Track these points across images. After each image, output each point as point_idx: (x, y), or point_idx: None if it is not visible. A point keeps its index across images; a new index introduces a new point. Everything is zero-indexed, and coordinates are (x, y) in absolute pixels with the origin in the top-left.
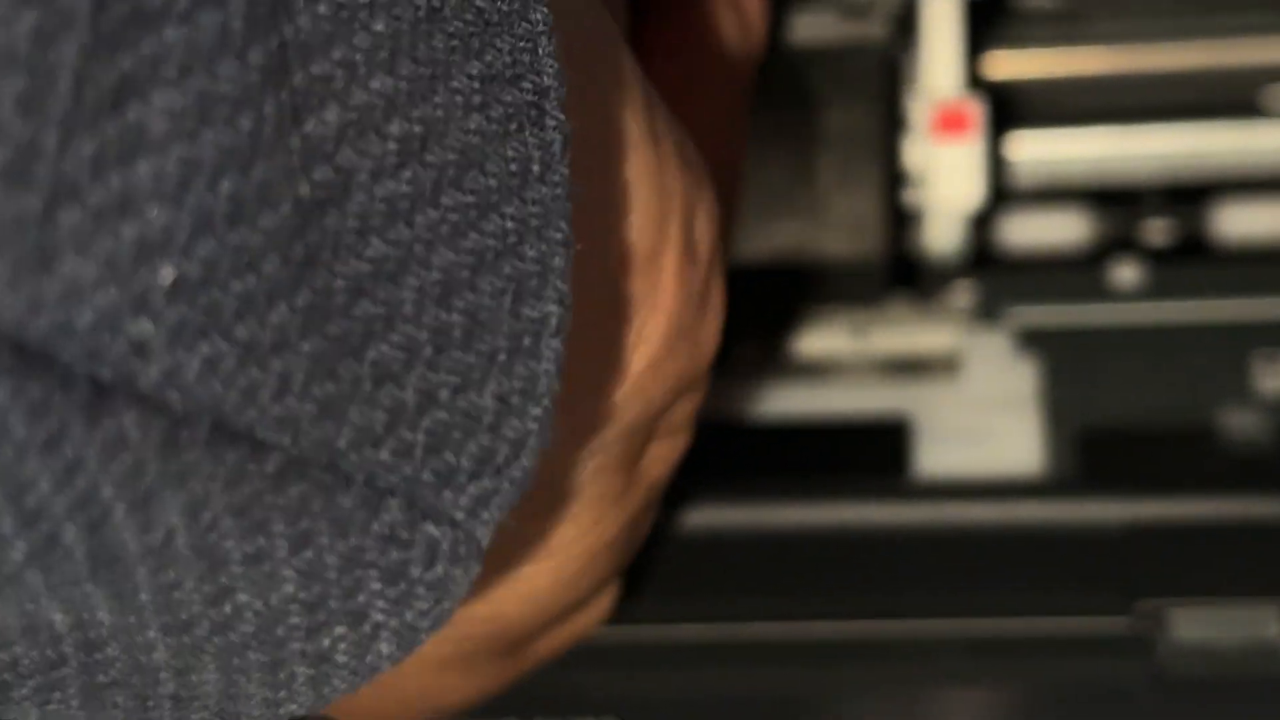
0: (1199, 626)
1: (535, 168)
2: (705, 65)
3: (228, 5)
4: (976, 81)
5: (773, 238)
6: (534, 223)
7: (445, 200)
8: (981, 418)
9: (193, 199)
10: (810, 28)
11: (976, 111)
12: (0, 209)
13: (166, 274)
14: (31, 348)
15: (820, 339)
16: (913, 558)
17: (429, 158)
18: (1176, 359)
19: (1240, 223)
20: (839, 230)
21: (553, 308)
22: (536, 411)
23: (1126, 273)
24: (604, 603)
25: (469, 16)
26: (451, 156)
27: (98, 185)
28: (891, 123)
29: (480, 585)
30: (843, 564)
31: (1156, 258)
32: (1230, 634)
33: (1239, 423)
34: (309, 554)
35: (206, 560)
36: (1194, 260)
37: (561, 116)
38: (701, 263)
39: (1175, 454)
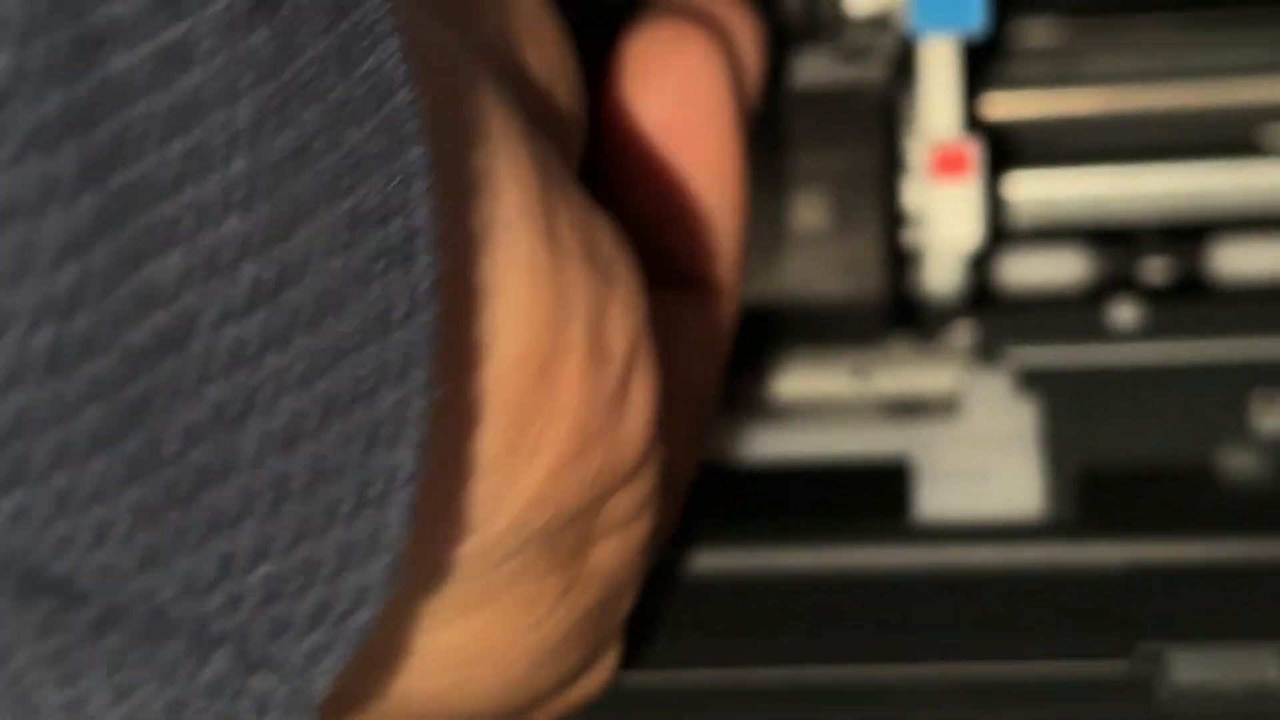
0: (1199, 669)
1: (399, 312)
2: (701, 108)
3: (60, 151)
4: (974, 122)
5: (772, 278)
6: (392, 369)
7: (298, 344)
8: (982, 458)
9: (6, 349)
10: (809, 70)
11: (974, 152)
12: None
13: None
14: None
15: (820, 380)
16: (911, 601)
17: (282, 301)
18: (1176, 399)
19: (1239, 262)
20: (839, 271)
21: (406, 456)
22: (381, 563)
23: (1125, 312)
24: (605, 666)
25: (339, 155)
26: (308, 300)
27: None
28: (890, 164)
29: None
30: (841, 608)
31: (1155, 297)
32: (1230, 677)
33: (1238, 463)
34: (131, 704)
35: (19, 708)
36: (1193, 299)
37: (431, 258)
38: (614, 362)
39: (1175, 494)
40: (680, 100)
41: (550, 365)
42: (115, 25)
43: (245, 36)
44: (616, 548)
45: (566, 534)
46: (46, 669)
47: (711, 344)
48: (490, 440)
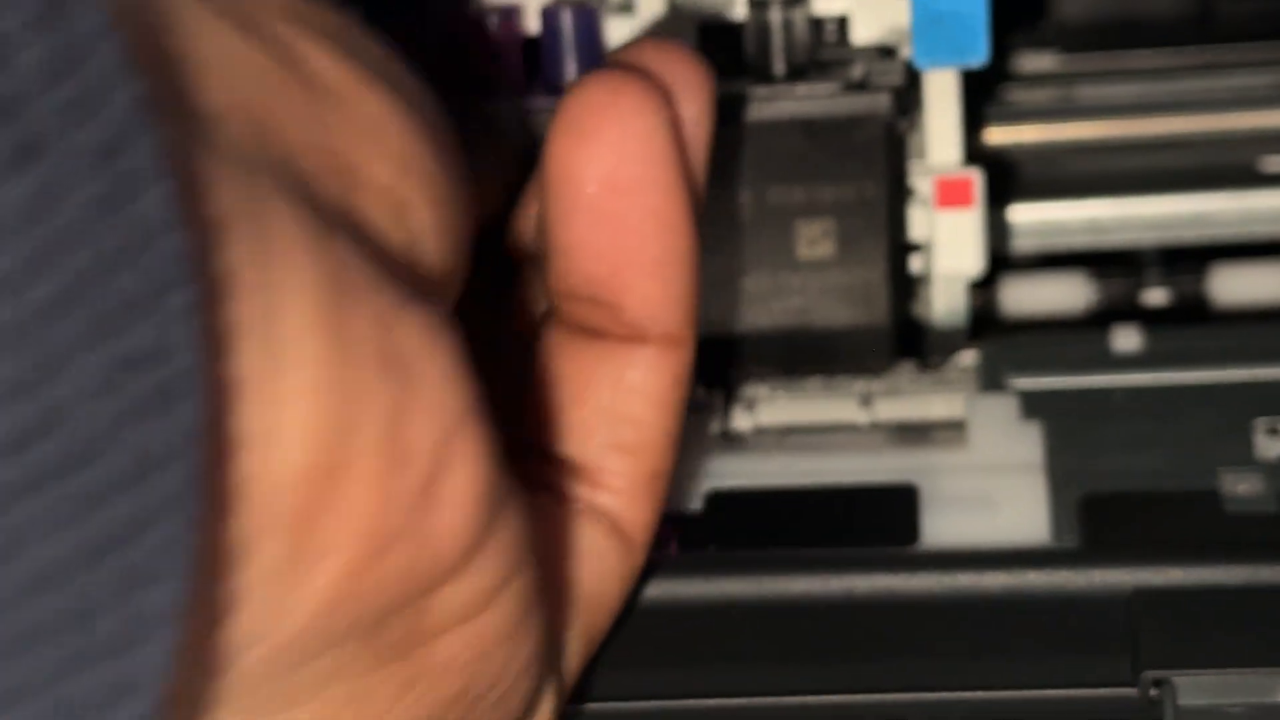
0: (1205, 694)
1: (159, 457)
2: (639, 162)
3: None
4: (976, 152)
5: (780, 307)
6: (152, 513)
7: (50, 492)
8: (987, 484)
9: None
10: (815, 100)
11: (977, 183)
12: None
13: None
14: None
15: (827, 408)
16: (919, 628)
17: (36, 449)
18: (1179, 424)
19: (1240, 287)
20: (845, 299)
21: (166, 595)
22: (141, 703)
23: (1128, 338)
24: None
25: (107, 300)
26: (64, 447)
27: None
28: (896, 193)
29: None
30: (849, 635)
31: (1157, 323)
32: (1237, 702)
33: (1242, 487)
34: None
35: None
36: (1194, 325)
37: (195, 401)
38: (416, 463)
39: (1179, 519)
40: (619, 155)
41: (337, 472)
42: None
43: (11, 187)
44: (467, 641)
45: (387, 631)
46: None
47: (667, 394)
48: (270, 551)
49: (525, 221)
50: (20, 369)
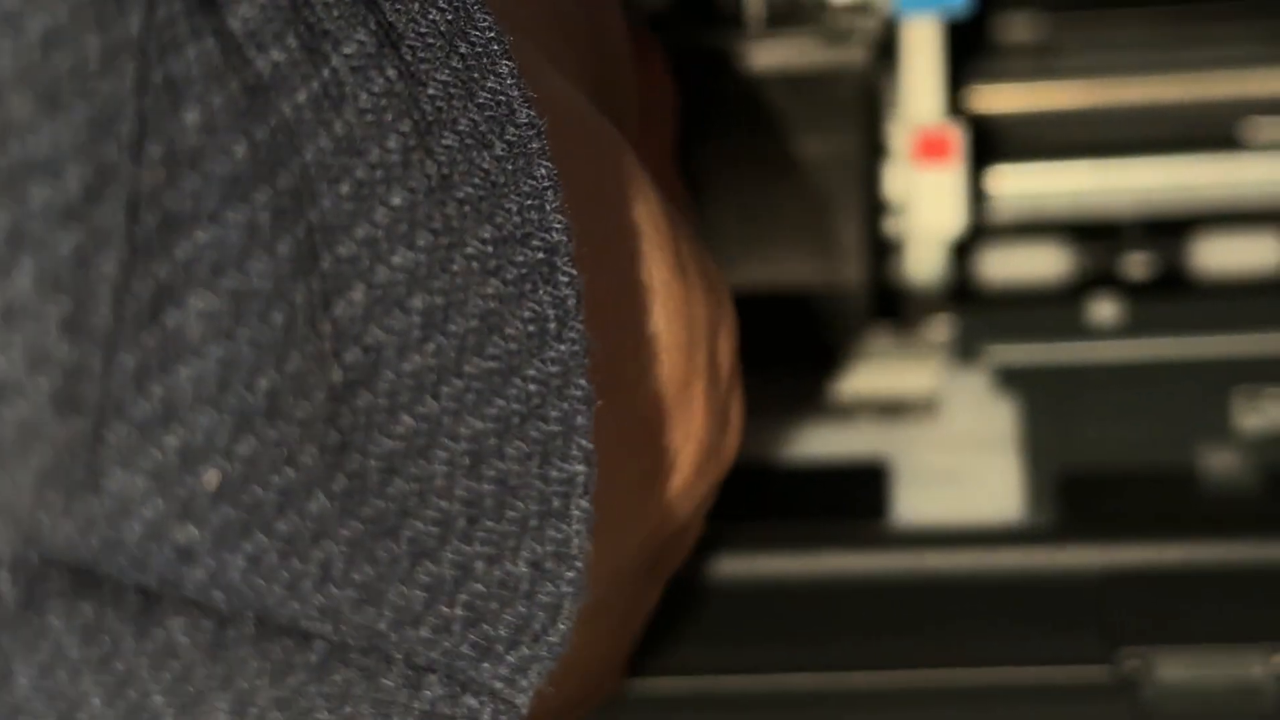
0: (1182, 671)
1: (552, 326)
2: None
3: (254, 199)
4: (957, 114)
5: (752, 266)
6: (555, 383)
7: (469, 369)
8: (960, 459)
9: (232, 399)
10: (790, 53)
11: (957, 137)
12: (52, 435)
13: (211, 478)
14: (82, 566)
15: (800, 376)
16: (892, 606)
17: (451, 327)
18: (1157, 397)
19: (1220, 256)
20: (819, 258)
21: (579, 467)
22: (570, 574)
23: (1106, 309)
24: (615, 677)
25: (477, 180)
26: (472, 324)
27: (141, 398)
28: (872, 149)
29: None
30: (821, 613)
31: (1136, 293)
32: (1214, 677)
33: (1220, 462)
34: None
35: None
36: (1174, 295)
37: (573, 271)
38: (723, 382)
39: (1156, 495)
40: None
41: (686, 390)
42: (276, 72)
43: (380, 73)
44: (682, 547)
45: (667, 544)
46: (280, 712)
47: None
48: (641, 460)
49: None
50: (423, 253)
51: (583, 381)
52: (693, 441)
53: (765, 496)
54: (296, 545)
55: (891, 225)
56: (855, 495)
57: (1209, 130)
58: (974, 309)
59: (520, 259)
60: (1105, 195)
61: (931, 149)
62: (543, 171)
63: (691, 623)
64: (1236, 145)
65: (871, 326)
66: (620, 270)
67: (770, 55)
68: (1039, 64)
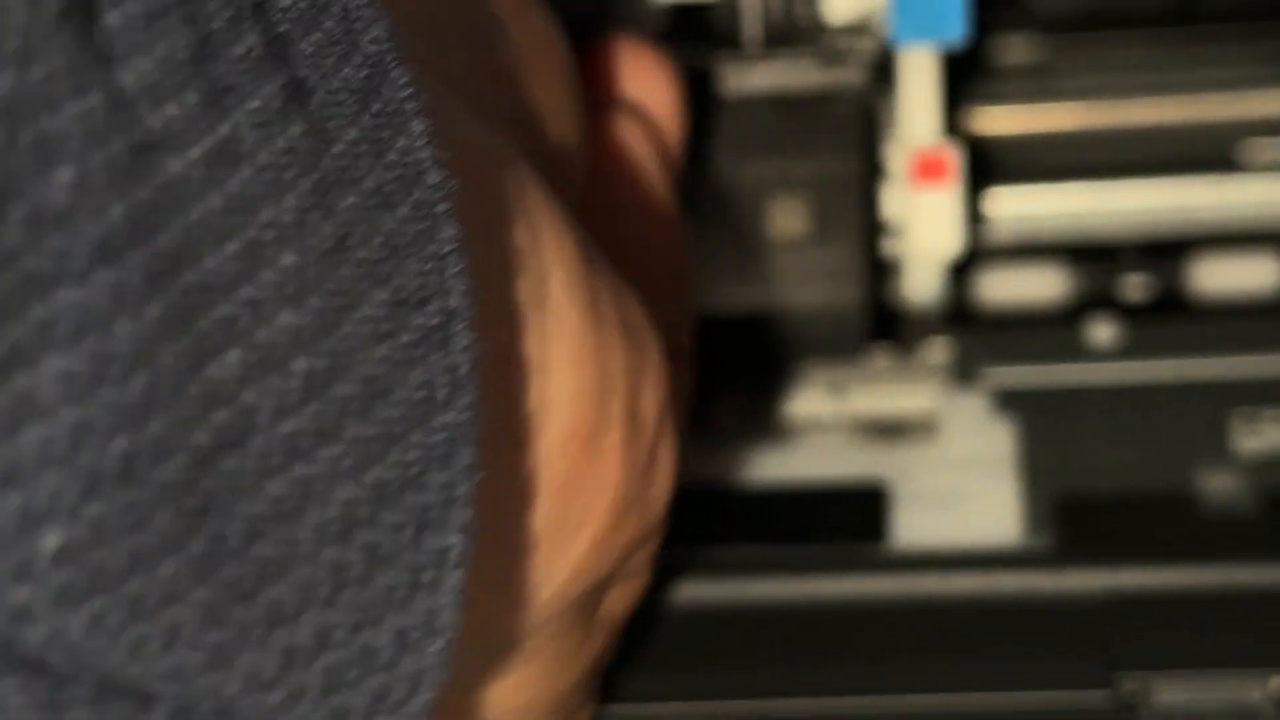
0: (1181, 695)
1: (441, 393)
2: (630, 192)
3: (126, 260)
4: (955, 135)
5: (750, 288)
6: (438, 452)
7: (349, 434)
8: (959, 481)
9: (83, 461)
10: (787, 74)
11: (954, 158)
12: None
13: (51, 540)
14: None
15: (798, 400)
16: (890, 630)
17: (334, 391)
18: (1155, 419)
19: (1218, 278)
20: (818, 279)
21: (454, 538)
22: (435, 646)
23: (1104, 331)
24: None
25: (378, 242)
26: (358, 388)
27: None
28: (870, 170)
29: None
30: (818, 637)
31: (1134, 315)
32: (1212, 701)
33: (1219, 485)
34: None
35: None
36: (1172, 317)
37: (469, 339)
38: (647, 432)
39: (1155, 518)
40: (612, 177)
41: (596, 440)
42: (168, 128)
43: (283, 130)
44: (624, 595)
45: (594, 594)
46: None
47: None
48: (541, 515)
49: None
50: (310, 315)
51: (468, 451)
52: (607, 493)
53: (764, 519)
54: (143, 607)
55: (890, 246)
56: (854, 518)
57: (1206, 152)
58: (972, 330)
59: (416, 323)
60: (1103, 217)
61: (929, 171)
62: (448, 234)
63: (690, 647)
64: (1234, 167)
65: (870, 348)
66: (519, 320)
67: (768, 77)
68: (1037, 85)
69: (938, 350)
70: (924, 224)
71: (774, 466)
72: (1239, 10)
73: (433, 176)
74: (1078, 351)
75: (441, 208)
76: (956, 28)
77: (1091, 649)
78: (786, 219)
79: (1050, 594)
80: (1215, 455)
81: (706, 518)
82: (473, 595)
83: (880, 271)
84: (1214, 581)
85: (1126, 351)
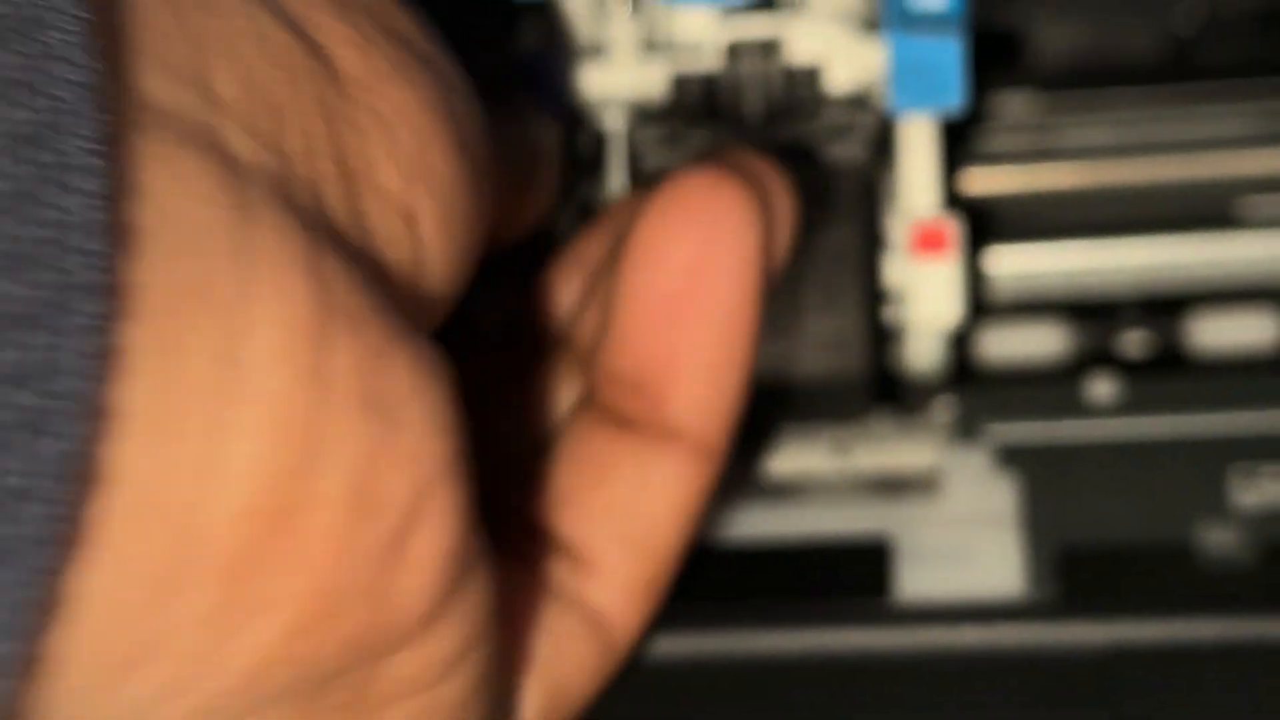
0: None
1: (21, 487)
2: (724, 260)
3: None
4: (953, 198)
5: (758, 353)
6: (14, 548)
7: None
8: (961, 536)
9: None
10: (790, 148)
11: (954, 230)
12: None
13: None
14: None
15: (801, 458)
16: (894, 684)
17: None
18: (1154, 474)
19: (1217, 334)
20: (822, 348)
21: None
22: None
23: (1103, 387)
24: None
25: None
26: None
27: None
28: (871, 241)
29: None
30: (823, 691)
31: (1133, 371)
32: None
33: (1218, 539)
34: None
35: None
36: (1171, 373)
37: (76, 428)
38: (387, 516)
39: (1155, 572)
40: (709, 243)
41: (289, 518)
42: None
43: None
44: (416, 712)
45: (330, 694)
46: None
47: (690, 502)
48: (198, 596)
49: (563, 291)
50: None
51: (39, 557)
52: (304, 577)
53: (768, 575)
54: None
55: (892, 313)
56: (859, 573)
57: (1204, 209)
58: (973, 388)
59: (10, 406)
60: (1102, 274)
61: (929, 242)
62: (87, 309)
63: (691, 702)
64: (1232, 223)
65: (874, 410)
66: (187, 374)
67: (772, 152)
68: (1035, 144)
69: (940, 408)
70: (924, 294)
71: (778, 523)
72: (1235, 68)
73: (88, 243)
74: (1078, 408)
75: (86, 279)
76: (955, 96)
77: (1093, 702)
78: (791, 290)
79: (1052, 647)
80: (1214, 510)
81: (709, 574)
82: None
83: (882, 339)
84: (1214, 635)
85: (1126, 407)
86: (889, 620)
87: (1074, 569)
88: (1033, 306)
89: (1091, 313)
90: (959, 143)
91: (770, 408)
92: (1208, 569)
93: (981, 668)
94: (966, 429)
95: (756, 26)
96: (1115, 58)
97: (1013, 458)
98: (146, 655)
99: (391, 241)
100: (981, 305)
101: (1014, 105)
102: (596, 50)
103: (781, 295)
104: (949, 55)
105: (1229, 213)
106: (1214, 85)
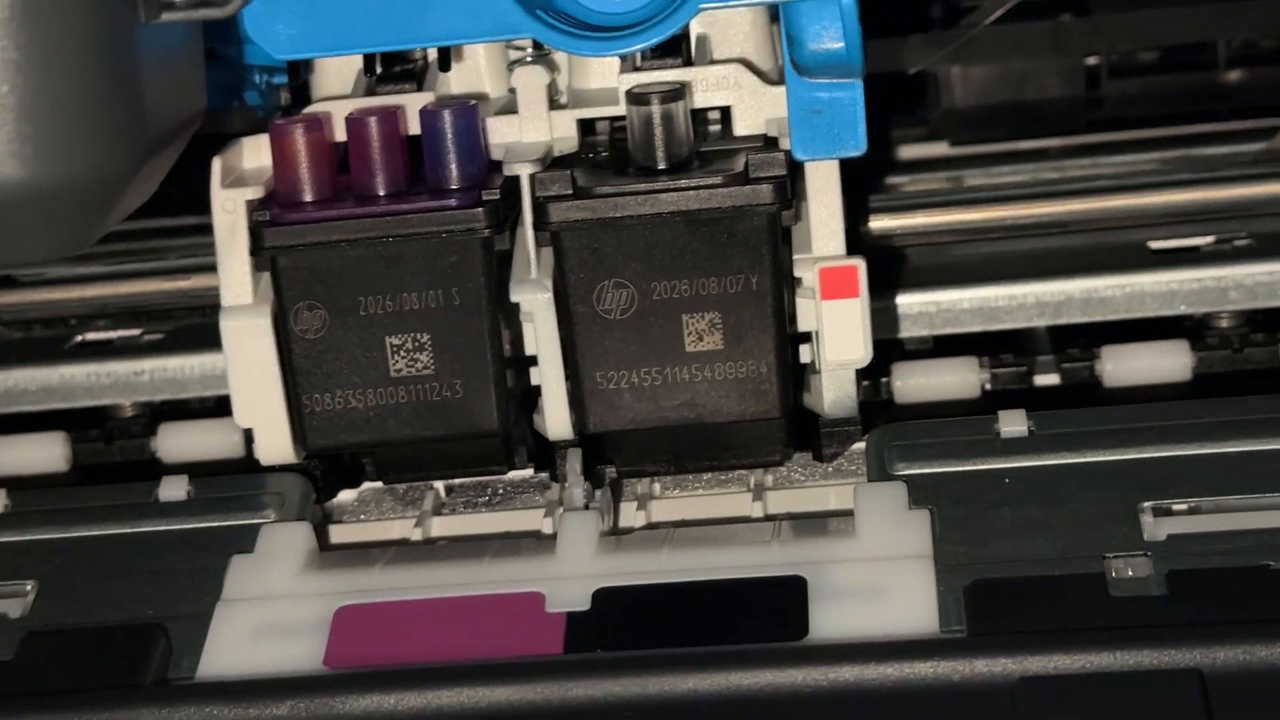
0: None
1: None
2: None
3: None
4: (867, 238)
5: (670, 402)
6: None
7: None
8: (876, 575)
9: None
10: (698, 194)
11: (860, 271)
12: None
13: None
14: None
15: (718, 502)
16: None
17: None
18: (1066, 508)
19: (1127, 368)
20: (736, 392)
21: None
22: None
23: (1015, 424)
24: None
25: None
26: None
27: None
28: (781, 283)
29: None
30: None
31: (1045, 406)
32: None
33: (1129, 571)
34: None
35: None
36: (1082, 410)
37: None
38: None
39: (1068, 604)
40: None
41: None
42: None
43: None
44: None
45: None
46: None
47: None
48: None
49: None
50: None
51: None
52: None
53: (686, 617)
54: None
55: (806, 353)
56: (775, 613)
57: (1113, 246)
58: (887, 429)
59: None
60: (1012, 313)
61: (836, 285)
62: None
63: None
64: (1140, 261)
65: (789, 449)
66: None
67: (679, 199)
68: (945, 187)
69: (853, 449)
70: (833, 335)
71: (693, 568)
72: (1143, 107)
73: None
74: (990, 444)
75: None
76: (858, 143)
77: None
78: (702, 335)
79: (966, 680)
80: (1125, 542)
81: (625, 621)
82: None
83: (797, 378)
84: (1126, 664)
85: (1038, 443)
86: (802, 660)
87: (987, 603)
88: (944, 345)
89: (1003, 350)
90: (868, 183)
91: (687, 453)
92: (1119, 600)
93: (895, 704)
94: (880, 470)
95: (663, 72)
96: (1025, 101)
97: (926, 495)
98: None
99: None
100: (894, 345)
101: (925, 151)
102: (506, 104)
103: (695, 339)
104: (850, 100)
105: (1136, 250)
106: (1118, 131)
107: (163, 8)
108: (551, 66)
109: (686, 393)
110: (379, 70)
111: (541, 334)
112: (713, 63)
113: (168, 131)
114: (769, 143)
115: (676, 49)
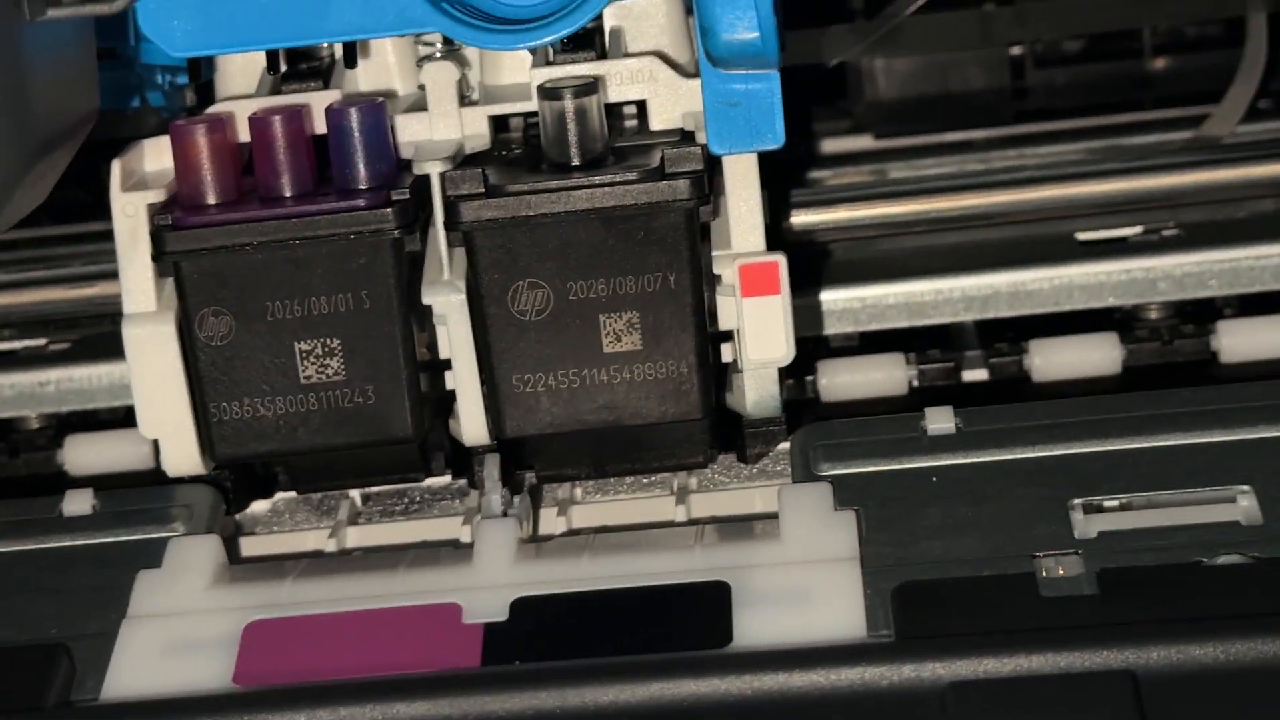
0: None
1: None
2: None
3: None
4: (788, 234)
5: (588, 405)
6: None
7: None
8: (801, 579)
9: None
10: (613, 190)
11: (780, 267)
12: None
13: None
14: None
15: (640, 507)
16: None
17: None
18: (995, 506)
19: (1057, 363)
20: (656, 393)
21: None
22: None
23: (942, 420)
24: None
25: None
26: None
27: None
28: (701, 280)
29: None
30: None
31: (973, 403)
32: None
33: (1060, 570)
34: None
35: None
36: (1011, 404)
37: None
38: None
39: (998, 604)
40: None
41: None
42: None
43: None
44: None
45: None
46: None
47: None
48: None
49: None
50: None
51: None
52: None
53: (609, 624)
54: None
55: (727, 352)
56: (699, 619)
57: (1040, 239)
58: (812, 429)
59: None
60: (938, 307)
61: (757, 282)
62: None
63: None
64: (1068, 252)
65: (712, 453)
66: None
67: (593, 196)
68: (867, 180)
69: (778, 449)
70: (755, 333)
71: (615, 575)
72: (1069, 97)
73: None
74: (918, 442)
75: None
76: (775, 136)
77: None
78: (620, 335)
79: (893, 685)
80: (1055, 540)
81: (544, 631)
82: None
83: (720, 376)
84: (1057, 666)
85: (966, 440)
86: (725, 669)
87: (915, 606)
88: (870, 342)
89: (930, 346)
90: (790, 178)
91: (607, 456)
92: (1049, 600)
93: (823, 712)
94: (804, 468)
95: (576, 66)
96: (950, 92)
97: (852, 495)
98: None
99: None
100: (819, 343)
101: (848, 145)
102: (415, 101)
103: (614, 338)
104: (766, 92)
105: (1063, 242)
106: (1043, 121)
107: (48, 4)
108: (462, 62)
109: (605, 395)
110: (283, 68)
111: (455, 337)
112: (627, 56)
113: (57, 133)
114: (686, 137)
115: (590, 42)
